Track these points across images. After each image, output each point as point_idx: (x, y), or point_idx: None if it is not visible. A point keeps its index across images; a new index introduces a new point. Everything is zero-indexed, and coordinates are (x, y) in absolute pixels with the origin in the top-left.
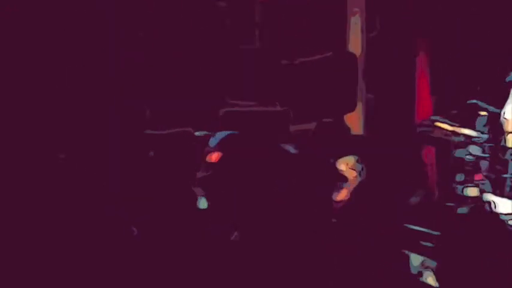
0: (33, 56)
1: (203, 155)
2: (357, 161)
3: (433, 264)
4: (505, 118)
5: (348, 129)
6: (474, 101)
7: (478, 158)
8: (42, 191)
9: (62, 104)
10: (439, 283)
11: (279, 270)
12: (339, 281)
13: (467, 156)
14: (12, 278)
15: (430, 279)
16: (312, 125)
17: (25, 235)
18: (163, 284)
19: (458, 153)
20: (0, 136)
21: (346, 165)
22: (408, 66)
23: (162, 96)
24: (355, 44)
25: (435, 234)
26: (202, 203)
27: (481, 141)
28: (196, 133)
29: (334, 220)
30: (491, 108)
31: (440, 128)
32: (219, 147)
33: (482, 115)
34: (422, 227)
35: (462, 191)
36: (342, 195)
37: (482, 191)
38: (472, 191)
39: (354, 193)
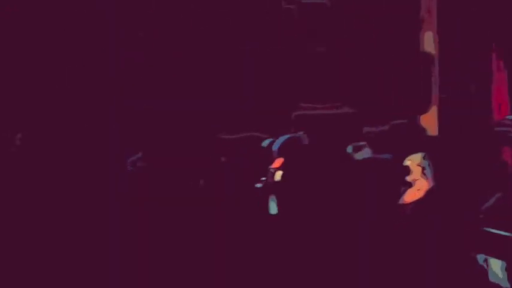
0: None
1: (270, 160)
2: (424, 158)
3: None
4: None
5: (423, 130)
6: None
7: None
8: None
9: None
10: None
11: (349, 271)
12: (410, 284)
13: None
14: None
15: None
16: (385, 127)
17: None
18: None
19: None
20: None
21: (413, 162)
22: (484, 65)
23: (232, 99)
24: (429, 43)
25: None
26: (273, 208)
27: None
28: (264, 137)
29: (402, 222)
30: None
31: None
32: (280, 151)
33: None
34: (501, 230)
35: None
36: (410, 196)
37: None
38: None
39: (425, 194)
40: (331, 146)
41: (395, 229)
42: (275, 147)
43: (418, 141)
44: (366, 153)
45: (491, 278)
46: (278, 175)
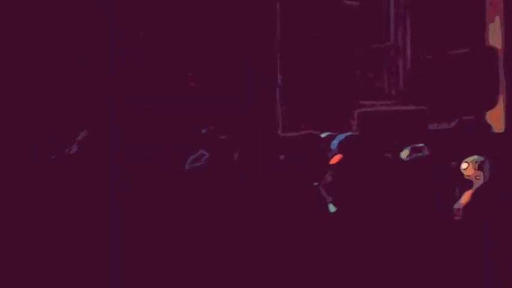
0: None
1: (327, 157)
2: (482, 162)
3: None
4: None
5: (490, 127)
6: None
7: None
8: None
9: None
10: None
11: (404, 271)
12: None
13: None
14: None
15: None
16: (451, 124)
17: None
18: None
19: None
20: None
21: (470, 164)
22: None
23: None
24: (495, 38)
25: None
26: (331, 207)
27: None
28: (322, 135)
29: (456, 222)
30: None
31: None
32: (339, 149)
33: None
34: None
35: None
36: (466, 197)
37: None
38: None
39: (481, 195)
40: (388, 145)
41: (449, 231)
42: (334, 144)
43: (484, 139)
44: (422, 154)
45: None
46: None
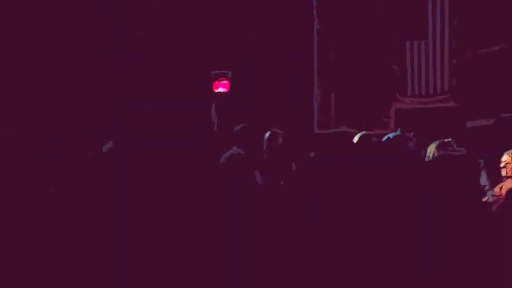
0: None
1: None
2: None
3: None
4: None
5: None
6: None
7: None
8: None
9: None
10: None
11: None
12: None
13: None
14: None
15: None
16: (489, 121)
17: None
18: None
19: None
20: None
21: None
22: None
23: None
24: None
25: None
26: None
27: None
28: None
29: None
30: None
31: None
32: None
33: None
34: None
35: None
36: (499, 191)
37: None
38: None
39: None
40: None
41: (479, 227)
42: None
43: None
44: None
45: None
46: None
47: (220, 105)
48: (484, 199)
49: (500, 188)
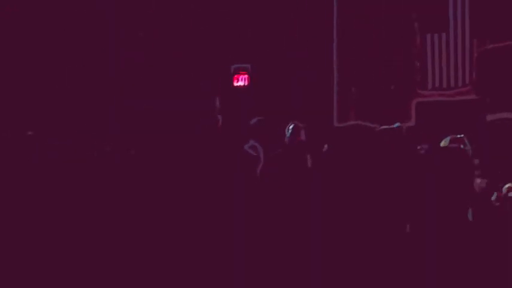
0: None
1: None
2: None
3: None
4: None
5: None
6: None
7: None
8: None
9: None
10: None
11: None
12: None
13: None
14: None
15: None
16: (510, 114)
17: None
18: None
19: None
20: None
21: None
22: None
23: None
24: None
25: None
26: None
27: None
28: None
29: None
30: None
31: None
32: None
33: None
34: None
35: None
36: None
37: None
38: None
39: None
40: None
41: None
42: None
43: None
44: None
45: None
46: None
47: (239, 99)
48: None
49: None
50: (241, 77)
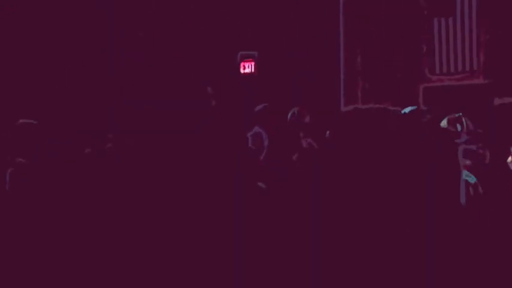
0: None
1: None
2: None
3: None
4: None
5: None
6: None
7: None
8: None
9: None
10: None
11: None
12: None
13: None
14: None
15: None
16: None
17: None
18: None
19: None
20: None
21: None
22: None
23: None
24: None
25: None
26: None
27: None
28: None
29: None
30: None
31: None
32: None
33: None
34: None
35: None
36: None
37: None
38: None
39: None
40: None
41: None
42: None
43: None
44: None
45: None
46: None
47: (246, 86)
48: None
49: None
50: (248, 64)
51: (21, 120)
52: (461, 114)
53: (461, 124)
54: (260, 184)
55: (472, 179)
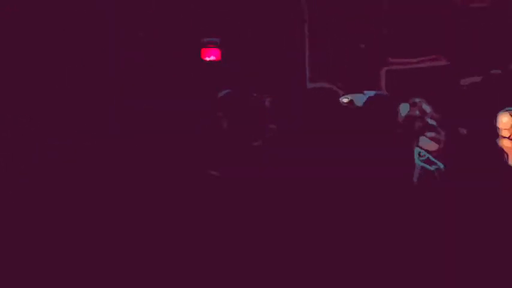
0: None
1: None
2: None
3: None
4: None
5: None
6: None
7: None
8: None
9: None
10: None
11: None
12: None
13: None
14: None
15: None
16: (479, 78)
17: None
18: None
19: None
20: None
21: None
22: None
23: None
24: None
25: None
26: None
27: None
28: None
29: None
30: None
31: None
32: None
33: None
34: None
35: None
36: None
37: None
38: None
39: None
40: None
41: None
42: (359, 102)
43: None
44: (425, 108)
45: None
46: None
47: (210, 73)
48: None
49: None
50: (211, 51)
51: None
52: (420, 99)
53: (421, 109)
54: (213, 172)
55: (432, 166)
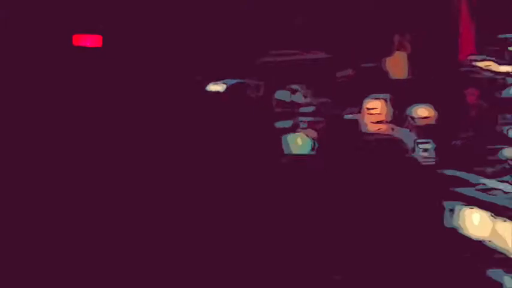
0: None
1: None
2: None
3: None
4: None
5: (387, 73)
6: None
7: None
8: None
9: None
10: None
11: None
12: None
13: None
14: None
15: None
16: (352, 71)
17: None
18: None
19: (506, 93)
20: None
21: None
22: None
23: None
24: None
25: None
26: None
27: None
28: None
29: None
30: None
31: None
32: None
33: None
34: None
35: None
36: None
37: None
38: None
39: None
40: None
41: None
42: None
43: (385, 84)
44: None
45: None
46: None
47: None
48: None
49: None
50: (89, 37)
51: None
52: (298, 86)
53: (297, 96)
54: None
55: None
